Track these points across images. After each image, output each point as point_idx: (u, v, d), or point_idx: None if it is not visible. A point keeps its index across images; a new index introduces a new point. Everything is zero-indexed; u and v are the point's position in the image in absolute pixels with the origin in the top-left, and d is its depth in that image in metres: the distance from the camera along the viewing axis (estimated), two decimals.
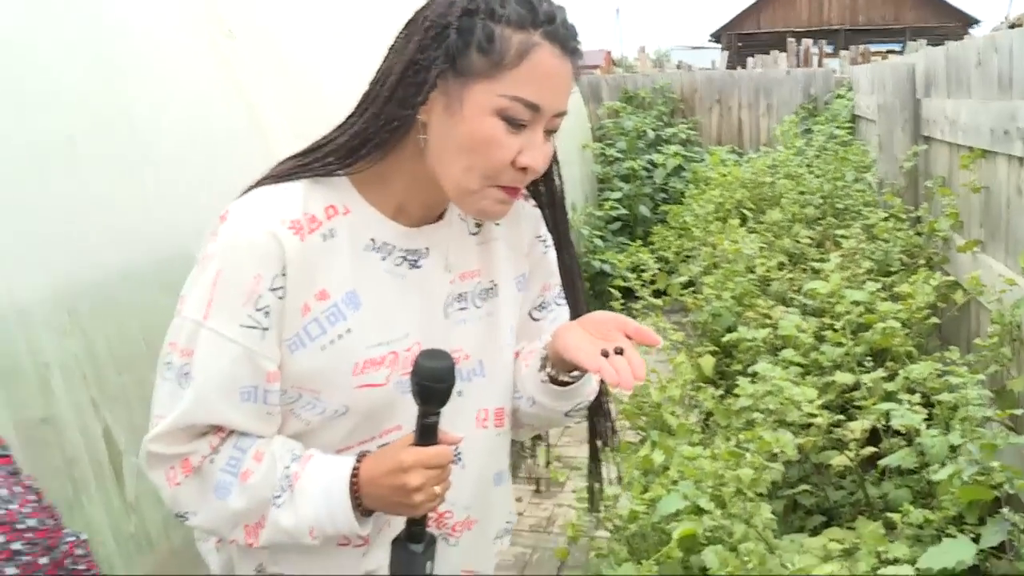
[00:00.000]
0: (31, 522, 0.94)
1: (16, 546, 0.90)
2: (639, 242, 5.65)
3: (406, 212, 1.33)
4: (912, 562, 1.60)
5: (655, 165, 7.52)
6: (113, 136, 2.04)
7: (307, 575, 1.36)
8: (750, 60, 11.93)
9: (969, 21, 30.52)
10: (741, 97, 8.04)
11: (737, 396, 2.75)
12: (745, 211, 5.05)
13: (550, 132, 1.26)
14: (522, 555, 3.64)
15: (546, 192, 1.45)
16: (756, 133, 8.04)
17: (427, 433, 1.22)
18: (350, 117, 1.32)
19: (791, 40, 11.84)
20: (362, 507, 1.25)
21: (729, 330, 3.69)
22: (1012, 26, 8.38)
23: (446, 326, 1.36)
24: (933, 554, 1.53)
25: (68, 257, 1.84)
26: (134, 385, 1.99)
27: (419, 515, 1.25)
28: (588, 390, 1.43)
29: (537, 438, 1.78)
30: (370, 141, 1.27)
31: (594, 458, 1.62)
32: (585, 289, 1.56)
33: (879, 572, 1.58)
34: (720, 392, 3.10)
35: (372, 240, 1.30)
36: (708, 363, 3.58)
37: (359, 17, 3.85)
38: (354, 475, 1.24)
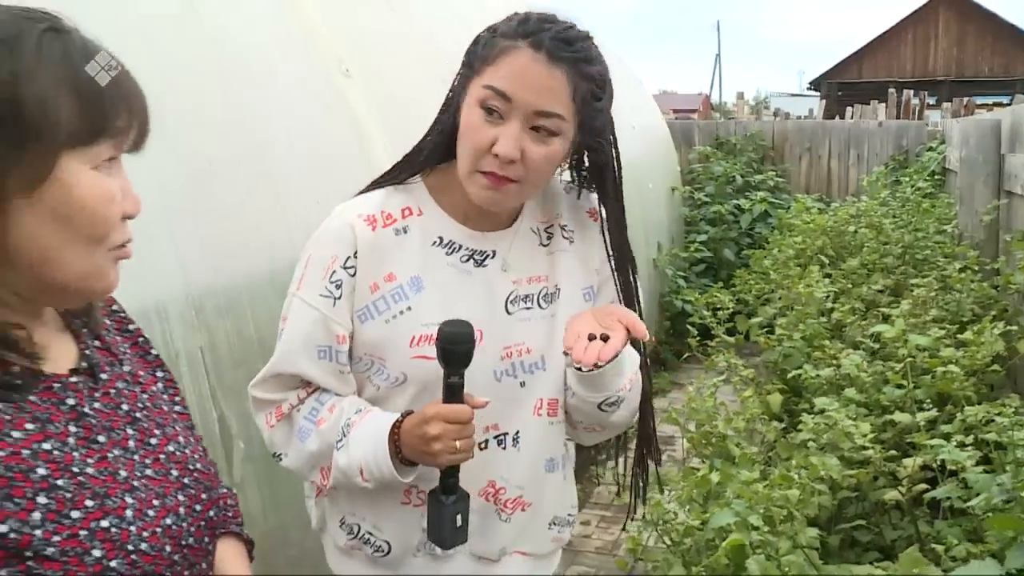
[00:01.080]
0: (199, 466, 1.19)
1: (186, 480, 1.14)
2: (720, 284, 5.78)
3: (472, 218, 1.58)
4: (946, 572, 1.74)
5: (742, 210, 7.65)
6: (244, 160, 2.34)
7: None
8: (848, 109, 11.92)
9: None
10: (831, 146, 8.11)
11: (800, 431, 2.90)
12: (824, 257, 5.15)
13: (545, 132, 1.44)
14: (586, 574, 3.81)
15: (607, 214, 1.64)
16: (845, 182, 8.10)
17: (451, 392, 1.42)
18: None
19: (892, 90, 11.80)
20: (401, 455, 1.48)
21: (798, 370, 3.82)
22: None
23: (509, 321, 1.58)
24: (960, 572, 1.66)
25: (201, 261, 2.13)
26: (246, 379, 2.26)
27: (443, 466, 1.45)
28: (617, 385, 1.56)
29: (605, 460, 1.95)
30: (427, 145, 1.57)
31: (637, 467, 1.79)
32: (646, 312, 1.74)
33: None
34: (784, 427, 3.24)
35: (440, 238, 1.56)
36: (776, 400, 3.71)
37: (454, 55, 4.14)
38: (396, 426, 1.48)
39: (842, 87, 30.64)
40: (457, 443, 1.41)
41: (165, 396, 1.26)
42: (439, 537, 1.48)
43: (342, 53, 3.13)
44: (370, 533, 1.62)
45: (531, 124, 1.44)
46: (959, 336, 3.21)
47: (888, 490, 2.85)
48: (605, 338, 1.44)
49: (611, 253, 1.64)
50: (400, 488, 1.55)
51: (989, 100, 19.39)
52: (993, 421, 2.52)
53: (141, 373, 1.22)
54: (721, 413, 3.26)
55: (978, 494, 2.21)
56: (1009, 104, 11.40)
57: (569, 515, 1.75)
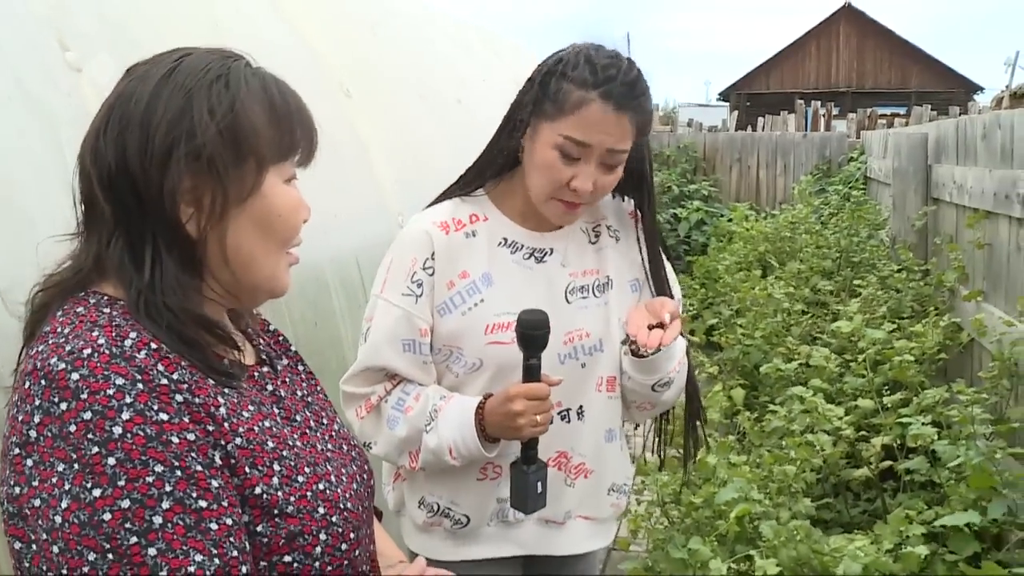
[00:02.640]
0: (355, 441, 1.38)
1: (353, 454, 1.33)
2: None
3: (531, 219, 1.81)
4: (930, 523, 2.04)
5: (679, 219, 8.03)
6: None
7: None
8: (760, 120, 12.46)
9: (972, 88, 31.21)
10: (760, 157, 8.57)
11: (769, 420, 3.21)
12: (769, 262, 5.52)
13: (612, 165, 1.70)
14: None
15: (643, 217, 1.89)
16: (773, 191, 8.57)
17: (530, 372, 1.63)
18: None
19: (800, 101, 12.39)
20: (486, 433, 1.70)
21: (756, 367, 4.15)
22: (1014, 95, 8.91)
23: (570, 310, 1.81)
24: (947, 519, 1.96)
25: None
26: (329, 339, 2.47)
27: (524, 439, 1.67)
28: (668, 367, 1.81)
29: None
30: (491, 165, 1.82)
31: (687, 440, 2.05)
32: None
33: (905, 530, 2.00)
34: (756, 417, 3.55)
35: (504, 239, 1.80)
36: (739, 395, 4.02)
37: (448, 81, 4.37)
38: (480, 407, 1.69)
39: (750, 98, 31.61)
40: (538, 417, 1.64)
41: (313, 384, 1.46)
42: (522, 503, 1.69)
43: (343, 76, 3.32)
44: (449, 508, 1.83)
45: (601, 161, 1.69)
46: (911, 329, 3.57)
47: (855, 470, 3.17)
48: (662, 326, 1.69)
49: (646, 253, 1.88)
50: (480, 464, 1.77)
51: (888, 111, 20.34)
52: (951, 401, 2.86)
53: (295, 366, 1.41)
54: None
55: (944, 463, 2.54)
56: (907, 114, 12.11)
57: (625, 483, 1.98)
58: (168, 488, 0.95)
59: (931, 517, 2.49)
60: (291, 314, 2.36)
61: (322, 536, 1.10)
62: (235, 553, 0.99)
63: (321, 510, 1.13)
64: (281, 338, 1.46)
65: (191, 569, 0.94)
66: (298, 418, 1.25)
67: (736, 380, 4.18)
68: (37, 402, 0.95)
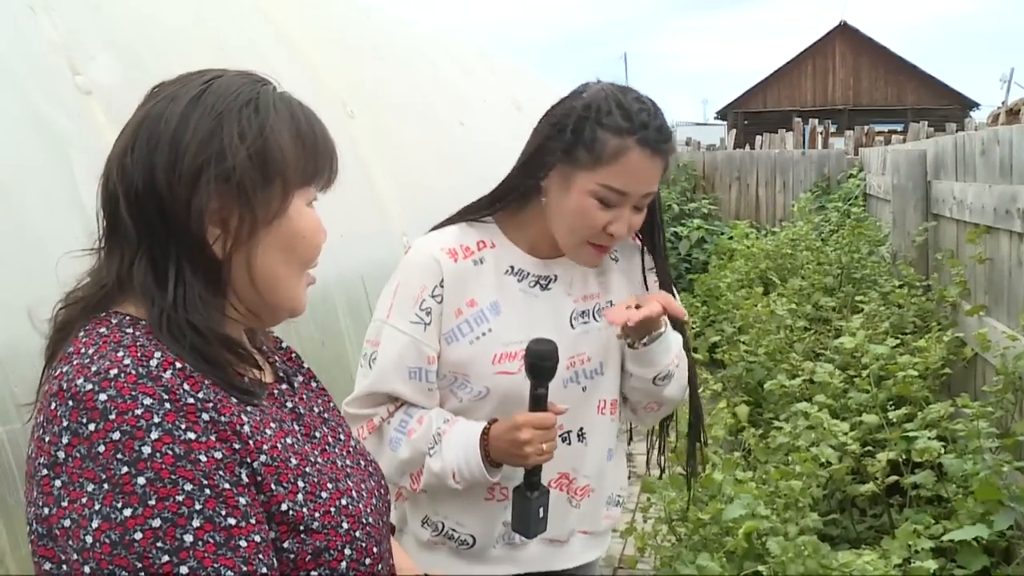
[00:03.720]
0: (371, 457, 1.40)
1: (370, 469, 1.34)
2: None
3: (538, 248, 1.82)
4: (938, 537, 2.04)
5: (679, 237, 8.05)
6: None
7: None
8: (758, 138, 12.52)
9: (968, 104, 31.30)
10: (759, 175, 8.60)
11: (774, 437, 3.21)
12: (771, 279, 5.54)
13: (639, 208, 1.73)
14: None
15: (650, 243, 1.90)
16: (773, 208, 8.60)
17: (537, 401, 1.63)
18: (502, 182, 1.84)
19: (797, 119, 12.44)
20: (490, 458, 1.70)
21: (760, 383, 4.15)
22: (1010, 111, 8.96)
23: (573, 335, 1.82)
24: (956, 533, 1.97)
25: None
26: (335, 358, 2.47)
27: (530, 466, 1.67)
28: (666, 360, 1.82)
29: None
30: (505, 198, 1.80)
31: (691, 457, 2.06)
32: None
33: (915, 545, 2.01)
34: (760, 433, 3.55)
35: (511, 267, 1.80)
36: (743, 411, 4.03)
37: (449, 102, 4.40)
38: (484, 432, 1.70)
39: (748, 116, 31.73)
40: (544, 446, 1.65)
41: (327, 400, 1.46)
42: (524, 528, 1.70)
43: (345, 97, 3.35)
44: (454, 529, 1.83)
45: (634, 204, 1.70)
46: (915, 344, 3.58)
47: (861, 485, 3.17)
48: (637, 307, 1.70)
49: (658, 269, 1.90)
50: (485, 486, 1.78)
51: (885, 127, 20.40)
52: (954, 416, 2.87)
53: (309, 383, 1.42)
54: None
55: (951, 478, 2.55)
56: (904, 131, 12.16)
57: (619, 494, 1.99)
58: (198, 506, 0.96)
59: (939, 532, 2.50)
60: (299, 333, 2.37)
61: (347, 551, 1.11)
62: (264, 570, 1.00)
63: (345, 525, 1.14)
64: (294, 355, 1.47)
65: None
66: (317, 434, 1.25)
67: (740, 397, 4.19)
68: (65, 423, 0.96)
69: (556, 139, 1.70)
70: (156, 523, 0.93)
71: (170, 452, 0.96)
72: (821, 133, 13.55)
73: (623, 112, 1.66)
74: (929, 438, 2.78)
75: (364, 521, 1.17)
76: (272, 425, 1.13)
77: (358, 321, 2.72)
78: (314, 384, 1.41)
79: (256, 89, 1.13)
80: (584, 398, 1.83)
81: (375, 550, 1.17)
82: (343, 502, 1.15)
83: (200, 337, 1.05)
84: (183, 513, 0.94)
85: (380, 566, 1.19)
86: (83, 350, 1.03)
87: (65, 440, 0.96)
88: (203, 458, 0.98)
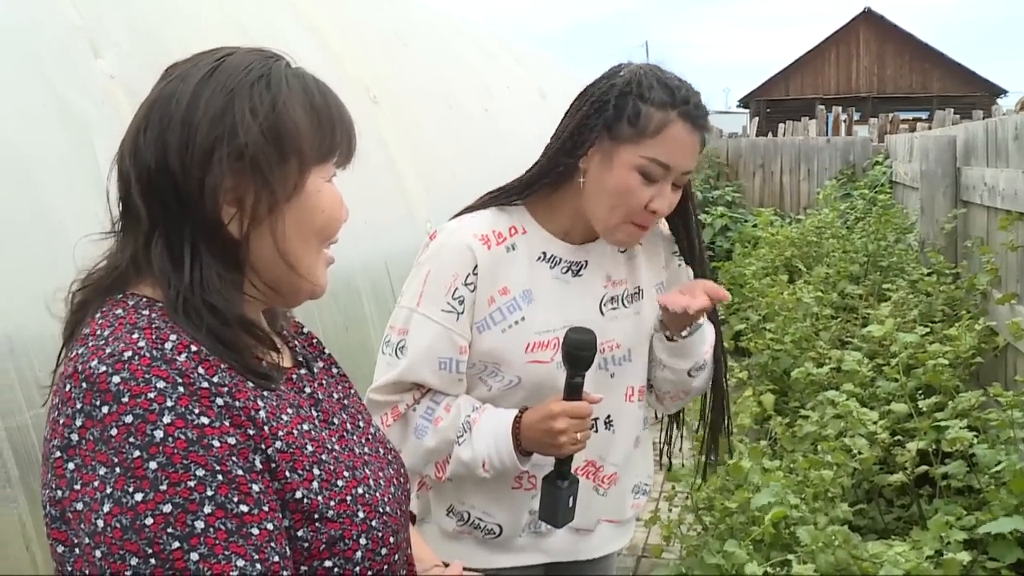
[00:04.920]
0: (390, 445, 1.38)
1: (390, 457, 1.32)
2: None
3: (571, 234, 1.79)
4: (970, 528, 2.00)
5: (703, 225, 7.98)
6: None
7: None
8: (781, 126, 12.41)
9: (995, 91, 30.92)
10: (783, 162, 8.52)
11: (801, 426, 3.17)
12: (796, 267, 5.48)
13: (678, 185, 1.71)
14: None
15: (682, 225, 1.87)
16: (797, 196, 8.51)
17: (573, 390, 1.61)
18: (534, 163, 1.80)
19: (820, 107, 12.32)
20: (521, 447, 1.67)
21: (786, 372, 4.11)
22: None
23: (603, 321, 1.79)
24: (991, 525, 1.92)
25: None
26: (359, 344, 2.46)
27: (563, 455, 1.65)
28: (702, 350, 1.81)
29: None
30: (543, 179, 1.75)
31: (711, 441, 2.02)
32: None
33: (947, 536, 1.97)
34: (787, 422, 3.51)
35: (543, 253, 1.77)
36: (768, 400, 3.99)
37: (473, 90, 4.38)
38: (516, 421, 1.68)
39: (770, 104, 31.50)
40: (578, 435, 1.62)
41: (348, 386, 1.44)
42: (553, 518, 1.67)
43: (370, 84, 3.33)
44: (480, 518, 1.81)
45: (674, 181, 1.68)
46: (944, 332, 3.52)
47: (889, 475, 3.13)
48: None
49: (691, 253, 1.86)
50: (513, 475, 1.75)
51: (910, 115, 20.18)
52: (986, 405, 2.82)
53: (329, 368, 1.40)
54: None
55: (983, 468, 2.50)
56: (929, 119, 12.01)
57: (646, 483, 1.97)
58: (210, 492, 0.94)
59: (971, 523, 2.45)
60: (322, 319, 2.36)
61: (362, 540, 1.09)
62: (276, 558, 0.98)
63: (361, 514, 1.11)
64: (315, 340, 1.44)
65: (233, 574, 0.93)
66: (335, 421, 1.23)
67: (766, 385, 4.14)
68: (78, 405, 0.95)
69: (597, 115, 1.68)
70: (167, 508, 0.92)
71: (183, 437, 0.94)
72: (844, 121, 13.42)
73: (665, 88, 1.65)
74: (960, 428, 2.74)
75: (381, 510, 1.15)
76: (289, 411, 1.11)
77: (382, 307, 2.71)
78: (335, 370, 1.39)
79: (268, 65, 1.10)
80: (612, 385, 1.80)
81: (392, 540, 1.14)
82: (359, 491, 1.13)
83: (217, 319, 1.03)
84: (194, 499, 0.93)
85: (397, 556, 1.16)
86: (99, 331, 1.01)
87: (79, 422, 0.94)
88: (216, 443, 0.96)
